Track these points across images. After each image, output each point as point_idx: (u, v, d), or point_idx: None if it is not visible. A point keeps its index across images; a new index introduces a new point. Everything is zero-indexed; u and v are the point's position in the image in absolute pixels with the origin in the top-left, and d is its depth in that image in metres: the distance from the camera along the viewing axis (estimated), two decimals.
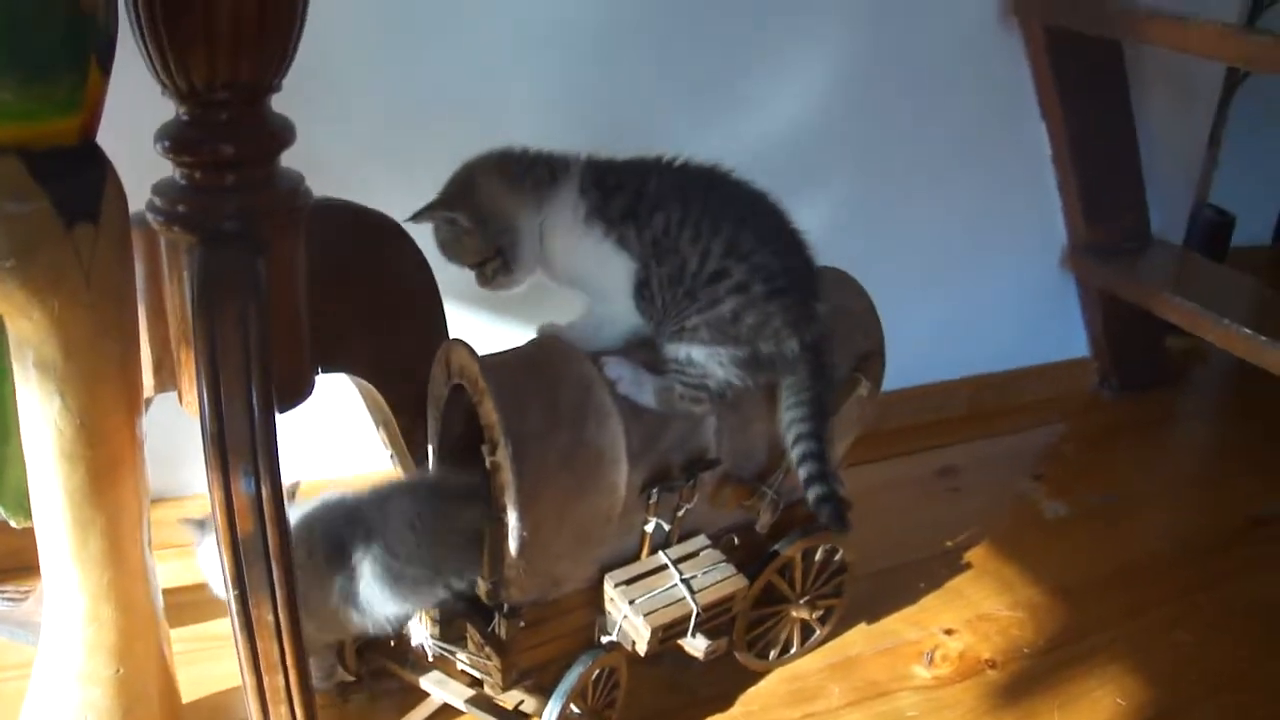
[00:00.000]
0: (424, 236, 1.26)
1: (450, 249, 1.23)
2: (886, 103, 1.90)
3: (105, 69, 0.94)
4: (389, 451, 1.41)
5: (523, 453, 1.10)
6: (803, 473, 1.27)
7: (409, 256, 1.28)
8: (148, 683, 1.15)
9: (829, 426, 1.28)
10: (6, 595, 1.48)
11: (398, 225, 1.25)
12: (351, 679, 1.38)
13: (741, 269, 1.16)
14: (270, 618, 1.00)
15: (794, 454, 1.27)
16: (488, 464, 1.13)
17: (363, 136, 1.53)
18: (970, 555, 1.75)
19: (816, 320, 1.22)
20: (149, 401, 1.20)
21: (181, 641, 1.36)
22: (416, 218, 1.21)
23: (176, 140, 1.04)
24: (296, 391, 1.17)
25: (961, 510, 1.90)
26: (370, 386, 1.31)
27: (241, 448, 0.96)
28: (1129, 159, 2.18)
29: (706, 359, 1.17)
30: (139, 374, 1.07)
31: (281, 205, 1.08)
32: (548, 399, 1.15)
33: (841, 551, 1.44)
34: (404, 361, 1.30)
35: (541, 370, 1.18)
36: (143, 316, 1.14)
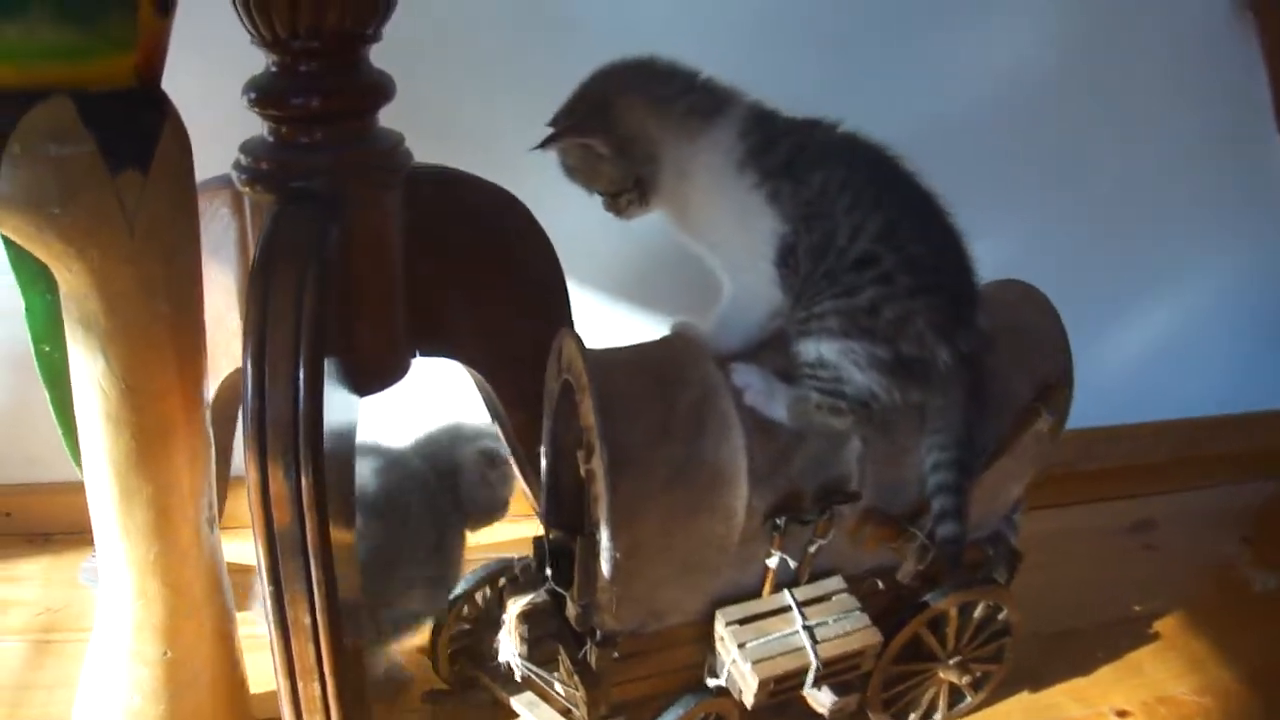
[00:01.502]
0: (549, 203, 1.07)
1: (579, 174, 1.02)
2: (1085, 109, 1.61)
3: (162, 6, 0.81)
4: (505, 449, 1.24)
5: (622, 463, 0.91)
6: (935, 505, 1.03)
7: (531, 237, 1.11)
8: (199, 667, 1.02)
9: (976, 459, 1.04)
10: None
11: (521, 204, 1.09)
12: (444, 687, 1.22)
13: (892, 258, 0.94)
14: (307, 620, 0.86)
15: (930, 483, 1.04)
16: (582, 471, 0.95)
17: (503, 109, 1.35)
18: (1159, 625, 1.45)
19: (972, 330, 0.98)
20: None
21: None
22: (544, 145, 0.99)
23: (262, 91, 0.91)
24: (384, 373, 1.02)
25: (1154, 571, 1.59)
26: (480, 376, 1.14)
27: (283, 431, 0.81)
28: None
29: (840, 357, 0.95)
30: (197, 338, 0.93)
31: (373, 166, 0.94)
32: (661, 405, 0.95)
33: (1006, 610, 1.19)
34: (518, 351, 1.12)
35: (658, 371, 0.98)
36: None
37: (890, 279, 0.94)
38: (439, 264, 1.03)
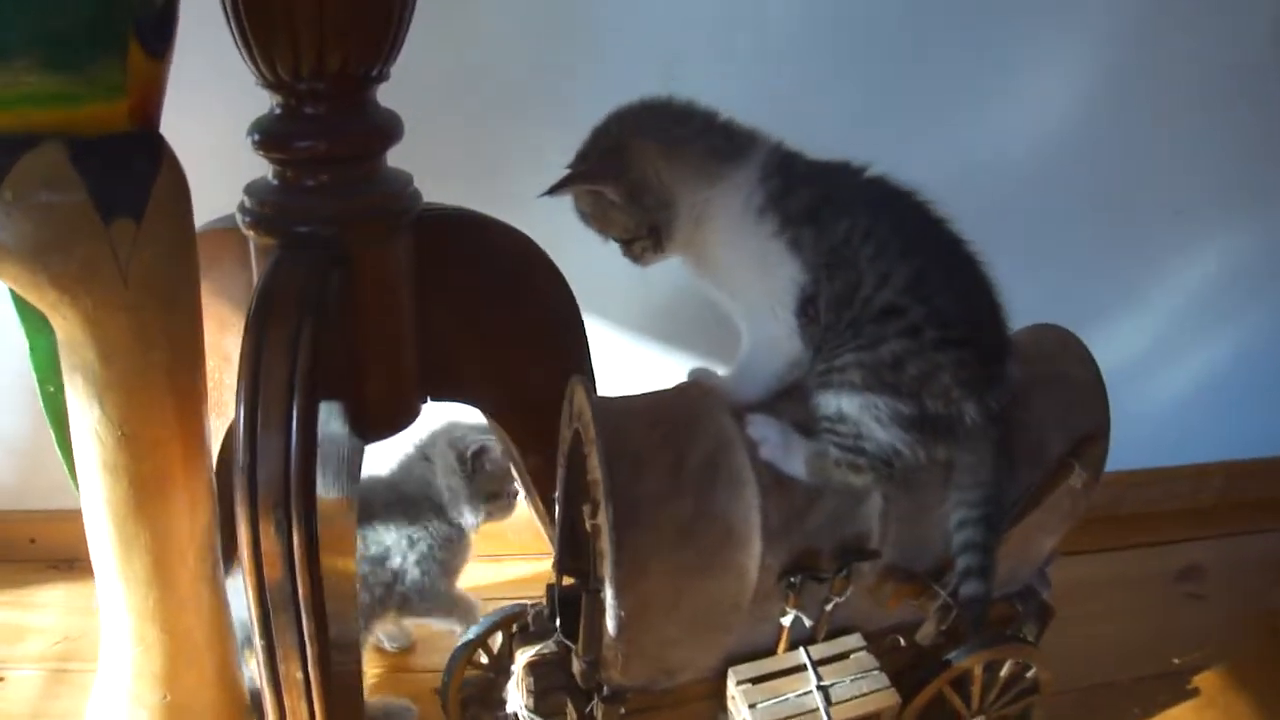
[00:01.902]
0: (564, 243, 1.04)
1: (593, 221, 0.97)
2: (1133, 135, 1.54)
3: (153, 50, 0.79)
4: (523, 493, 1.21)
5: (629, 519, 0.87)
6: (960, 563, 0.98)
7: (547, 278, 1.07)
8: (201, 712, 1.00)
9: (1004, 517, 0.99)
10: None
11: (535, 245, 1.05)
12: None
13: (919, 311, 0.89)
14: (299, 674, 0.83)
15: (955, 540, 0.98)
16: (588, 526, 0.91)
17: (530, 138, 1.32)
18: (1201, 679, 1.39)
19: (1003, 385, 0.93)
20: None
21: None
22: (553, 191, 0.94)
23: (266, 134, 0.89)
24: (393, 419, 0.99)
25: (1199, 622, 1.52)
26: (494, 420, 1.10)
27: (274, 486, 0.78)
28: None
29: (860, 412, 0.90)
30: (197, 386, 0.91)
31: (380, 210, 0.91)
32: (672, 458, 0.91)
33: (1035, 668, 1.13)
34: (533, 395, 1.09)
35: (670, 422, 0.94)
36: None
37: (916, 332, 0.89)
38: (451, 307, 1.00)
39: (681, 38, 1.33)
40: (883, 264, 0.89)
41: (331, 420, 0.87)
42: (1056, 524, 1.11)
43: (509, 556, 1.56)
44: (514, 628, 1.16)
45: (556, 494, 1.07)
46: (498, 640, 1.19)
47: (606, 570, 0.88)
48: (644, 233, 0.95)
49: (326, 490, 0.86)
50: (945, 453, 0.94)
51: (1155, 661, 1.42)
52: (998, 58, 1.43)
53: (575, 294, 1.12)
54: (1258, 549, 1.72)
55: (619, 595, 0.88)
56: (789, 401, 0.98)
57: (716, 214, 0.94)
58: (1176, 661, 1.41)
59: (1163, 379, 1.67)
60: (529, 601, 1.16)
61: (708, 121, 0.96)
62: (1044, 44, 1.44)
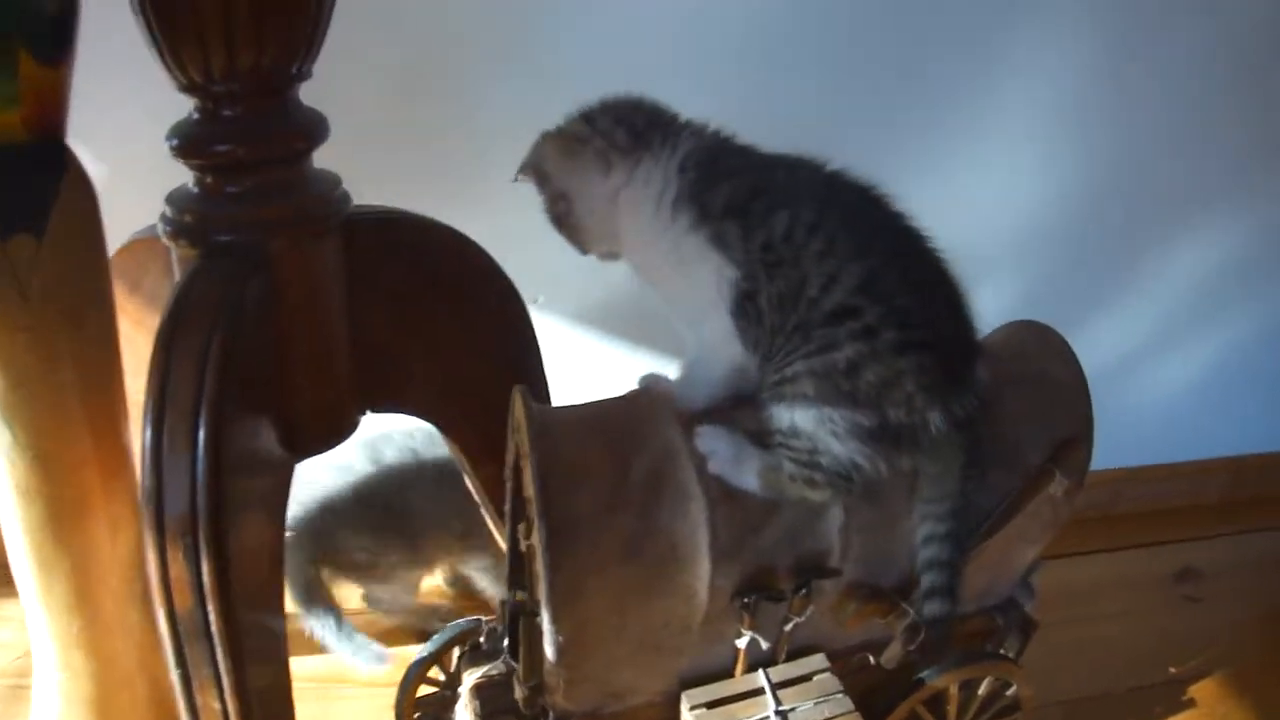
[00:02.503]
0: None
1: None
2: (1123, 127, 1.47)
3: (47, 57, 0.74)
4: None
5: (563, 541, 0.81)
6: (925, 581, 0.92)
7: (489, 279, 1.01)
8: None
9: (972, 532, 0.93)
10: None
11: (474, 245, 0.99)
12: None
13: (875, 310, 0.81)
14: (216, 705, 0.79)
15: (920, 557, 0.92)
16: (522, 547, 0.85)
17: (488, 137, 1.26)
18: (1199, 689, 1.32)
19: (970, 390, 0.86)
20: None
21: None
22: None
23: (184, 139, 0.83)
24: (326, 433, 0.93)
25: (1198, 626, 1.45)
26: (441, 430, 1.05)
27: (180, 512, 0.73)
28: None
29: (815, 426, 0.83)
30: (114, 405, 0.86)
31: (305, 214, 0.85)
32: (614, 472, 0.85)
33: (1015, 686, 1.07)
34: (480, 402, 1.02)
35: (613, 434, 0.88)
36: None
37: (872, 334, 0.82)
38: (388, 313, 0.94)
39: (638, 33, 1.27)
40: (831, 262, 0.82)
41: (254, 436, 0.82)
42: (1038, 533, 1.04)
43: None
44: (467, 644, 1.11)
45: (506, 506, 1.02)
46: (455, 655, 1.13)
47: (541, 593, 0.82)
48: (556, 221, 0.92)
49: (247, 510, 0.81)
50: (909, 462, 0.87)
51: (1151, 670, 1.35)
52: (984, 49, 1.36)
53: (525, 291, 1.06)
54: (1258, 549, 1.64)
55: (556, 620, 0.83)
56: (746, 409, 0.92)
57: (625, 211, 0.89)
58: (1174, 670, 1.34)
59: (1162, 372, 1.60)
60: (486, 617, 1.11)
61: (622, 115, 0.90)
62: (1032, 36, 1.37)
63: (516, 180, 0.93)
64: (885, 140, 1.32)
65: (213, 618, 0.76)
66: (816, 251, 0.82)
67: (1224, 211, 1.55)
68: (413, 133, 1.24)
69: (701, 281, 0.85)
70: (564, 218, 0.92)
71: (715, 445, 0.87)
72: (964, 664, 1.03)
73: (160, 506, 0.74)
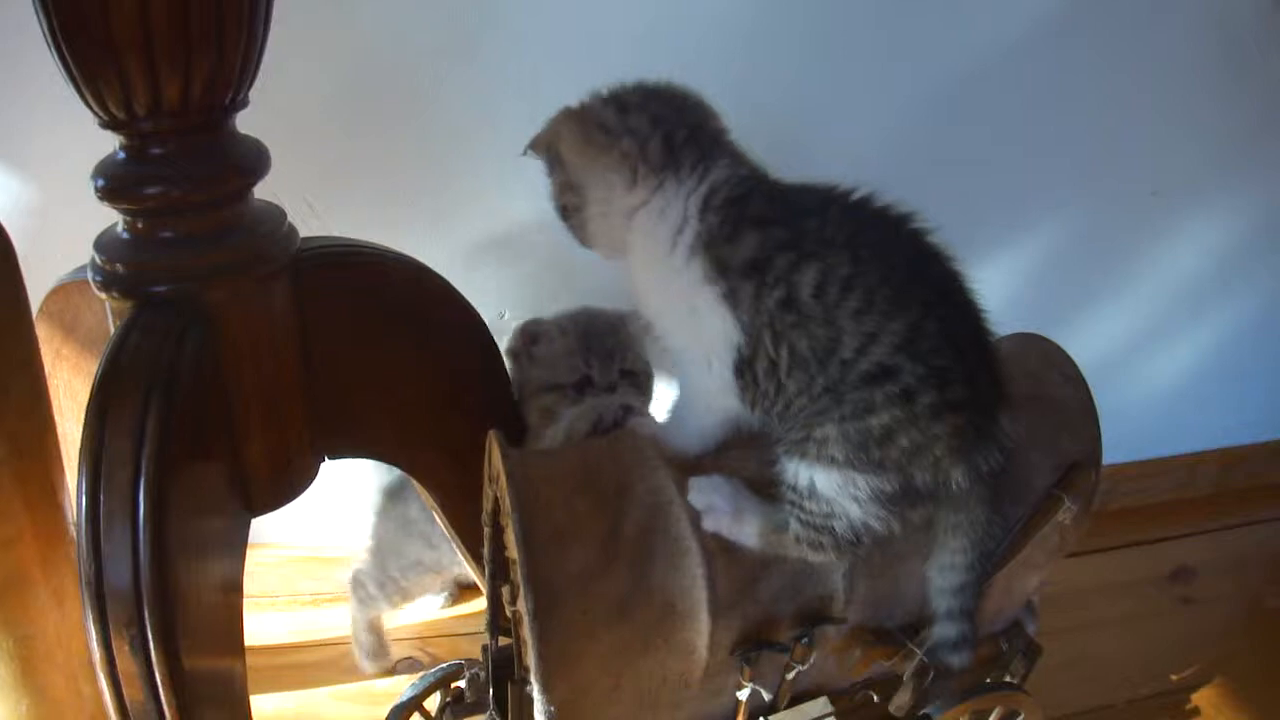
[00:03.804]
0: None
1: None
2: (1115, 107, 1.38)
3: None
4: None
5: (552, 608, 0.73)
6: (946, 631, 0.85)
7: (450, 309, 0.91)
8: None
9: (989, 577, 0.85)
10: None
11: (432, 273, 0.90)
12: None
13: (916, 371, 0.73)
14: None
15: (940, 605, 0.85)
16: (508, 612, 0.77)
17: (444, 144, 1.17)
18: (1201, 696, 1.27)
19: (997, 442, 0.78)
20: None
21: None
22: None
23: (110, 181, 0.73)
24: (283, 487, 0.84)
25: (1194, 629, 1.39)
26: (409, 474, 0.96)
27: (123, 600, 0.64)
28: None
29: (838, 492, 0.75)
30: (50, 476, 0.77)
31: (248, 258, 0.76)
32: (603, 528, 0.77)
33: (1024, 715, 1.00)
34: (448, 442, 0.94)
35: (600, 485, 0.80)
36: None
37: (910, 398, 0.73)
38: (344, 353, 0.85)
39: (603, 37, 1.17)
40: (870, 320, 0.73)
41: (203, 503, 0.73)
42: (1044, 559, 0.98)
43: None
44: (451, 687, 1.03)
45: (484, 549, 0.94)
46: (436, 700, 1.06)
47: (531, 662, 0.75)
48: (560, 210, 0.83)
49: (200, 584, 0.72)
50: (923, 515, 0.80)
51: (1149, 678, 1.29)
52: (966, 34, 1.28)
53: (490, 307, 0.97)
54: (1252, 542, 1.59)
55: (546, 689, 0.75)
56: (743, 450, 0.85)
57: (639, 234, 0.79)
58: (1174, 678, 1.29)
59: (1148, 366, 1.54)
60: (464, 661, 1.03)
61: (655, 118, 0.79)
62: (1016, 20, 1.28)
63: (526, 154, 0.83)
64: (867, 126, 1.25)
65: (167, 710, 0.68)
66: (853, 309, 0.73)
67: (1204, 202, 1.48)
68: (363, 146, 1.14)
69: (708, 333, 0.77)
70: (572, 211, 0.82)
71: (713, 500, 0.79)
72: (971, 697, 0.96)
73: (101, 595, 0.65)
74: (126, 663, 0.66)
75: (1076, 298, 1.45)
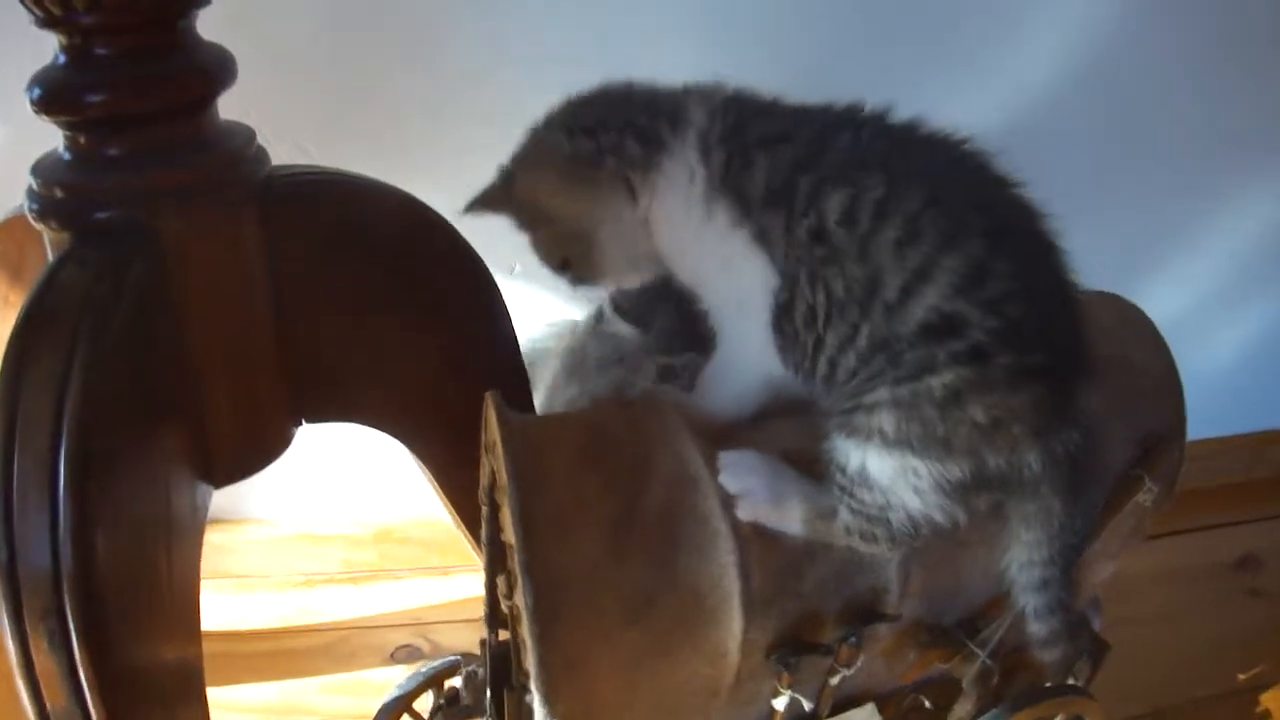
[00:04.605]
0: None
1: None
2: (1179, 60, 1.26)
3: None
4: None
5: (555, 606, 0.61)
6: (1035, 629, 0.72)
7: (447, 253, 0.79)
8: None
9: (1079, 564, 0.72)
10: None
11: (436, 217, 0.78)
12: None
13: (987, 322, 0.60)
14: None
15: (1027, 601, 0.72)
16: (504, 607, 0.65)
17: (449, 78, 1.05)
18: (1270, 698, 1.15)
19: (1077, 418, 0.65)
20: None
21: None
22: (467, 210, 0.74)
23: (49, 89, 0.62)
24: (251, 454, 0.73)
25: (1262, 622, 1.28)
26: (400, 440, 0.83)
27: (40, 588, 0.53)
28: None
29: (893, 480, 0.63)
30: None
31: (208, 181, 0.64)
32: (617, 508, 0.65)
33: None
34: (446, 410, 0.83)
35: (615, 458, 0.67)
36: None
37: (983, 357, 0.60)
38: (324, 300, 0.73)
39: None
40: (916, 254, 0.61)
41: (145, 473, 0.62)
42: (1117, 547, 0.86)
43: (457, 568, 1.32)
44: (445, 686, 0.91)
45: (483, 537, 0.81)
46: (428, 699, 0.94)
47: (531, 668, 0.63)
48: (559, 264, 0.73)
49: (140, 563, 0.61)
50: (988, 500, 0.67)
51: (1213, 676, 1.18)
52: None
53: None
54: None
55: (549, 701, 0.63)
56: (782, 418, 0.72)
57: (657, 225, 0.69)
58: (1241, 677, 1.17)
59: (1215, 337, 1.42)
60: (463, 656, 0.91)
61: (622, 120, 0.70)
62: None
63: (467, 214, 0.73)
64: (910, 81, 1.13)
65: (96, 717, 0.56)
66: (892, 240, 0.61)
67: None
68: (353, 74, 1.03)
69: (743, 286, 0.66)
70: (577, 259, 0.72)
71: (749, 482, 0.66)
72: (1034, 702, 0.84)
73: (14, 582, 0.54)
74: (46, 663, 0.55)
75: (1135, 257, 1.33)
